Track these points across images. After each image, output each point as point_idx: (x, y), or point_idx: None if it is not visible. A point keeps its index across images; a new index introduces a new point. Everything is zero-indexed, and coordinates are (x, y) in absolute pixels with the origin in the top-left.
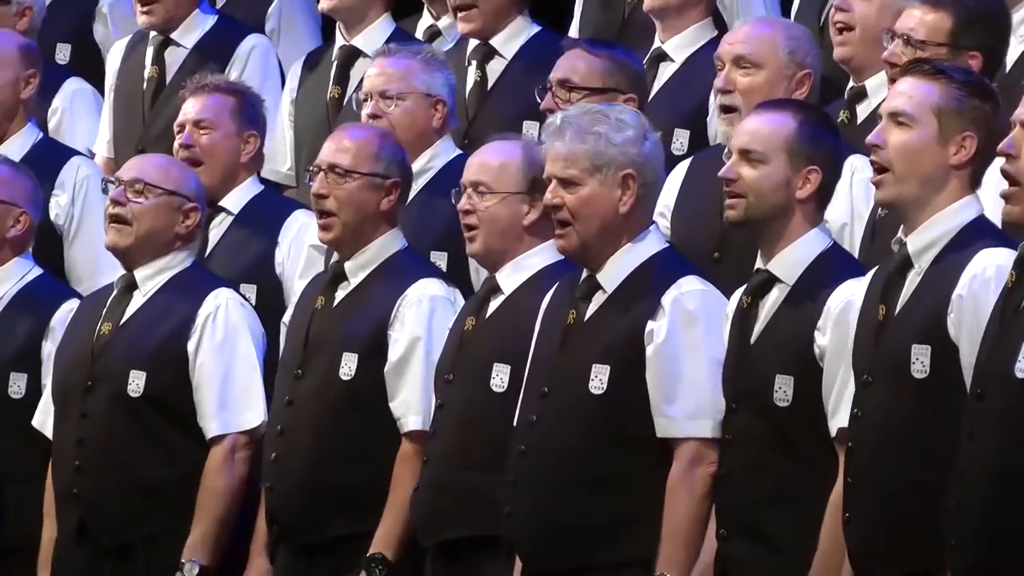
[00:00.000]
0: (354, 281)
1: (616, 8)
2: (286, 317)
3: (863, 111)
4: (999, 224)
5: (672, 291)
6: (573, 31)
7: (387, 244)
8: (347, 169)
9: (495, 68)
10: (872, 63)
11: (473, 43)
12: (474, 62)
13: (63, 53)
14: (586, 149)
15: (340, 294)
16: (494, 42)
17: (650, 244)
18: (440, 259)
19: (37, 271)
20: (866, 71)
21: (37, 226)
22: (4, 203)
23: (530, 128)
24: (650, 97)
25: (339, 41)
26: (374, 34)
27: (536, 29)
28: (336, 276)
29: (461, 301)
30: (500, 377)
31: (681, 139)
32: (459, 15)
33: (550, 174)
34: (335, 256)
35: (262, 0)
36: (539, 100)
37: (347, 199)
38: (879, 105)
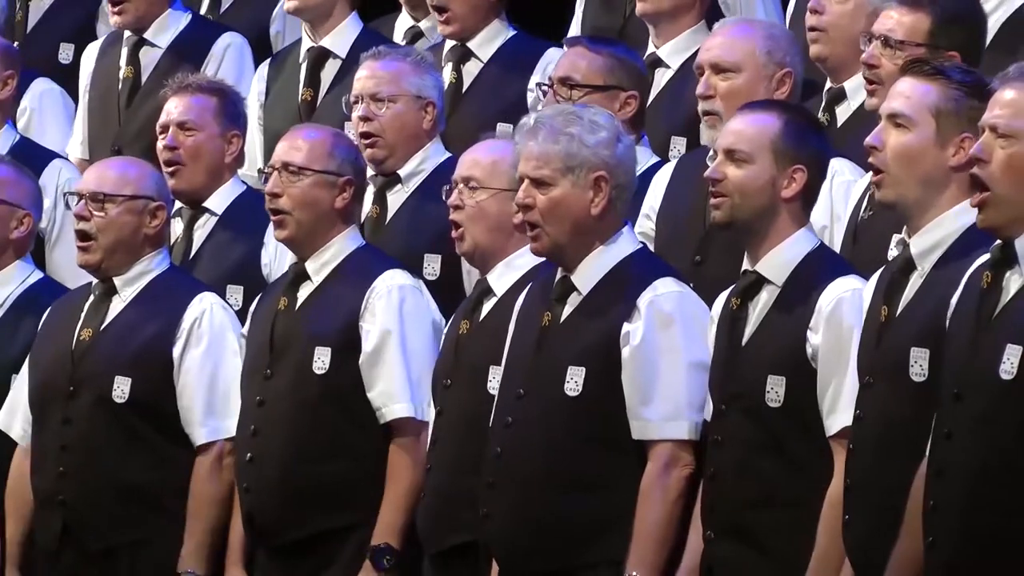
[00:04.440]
0: (317, 280)
1: (617, 9)
2: (244, 329)
3: (843, 113)
4: None
5: (648, 293)
6: (574, 31)
7: (346, 242)
8: (300, 167)
9: (471, 70)
10: (848, 64)
11: (449, 44)
12: (449, 64)
13: (66, 52)
14: (559, 150)
15: (303, 293)
16: (471, 44)
17: (624, 245)
18: (434, 261)
19: (38, 274)
20: (842, 72)
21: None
22: (8, 204)
23: (503, 130)
24: (647, 103)
25: (306, 43)
26: (342, 35)
27: (512, 32)
28: (297, 276)
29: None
30: (497, 380)
31: (679, 146)
32: (439, 17)
33: (522, 173)
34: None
35: (266, 3)
36: (540, 98)
37: (300, 197)
38: (859, 107)
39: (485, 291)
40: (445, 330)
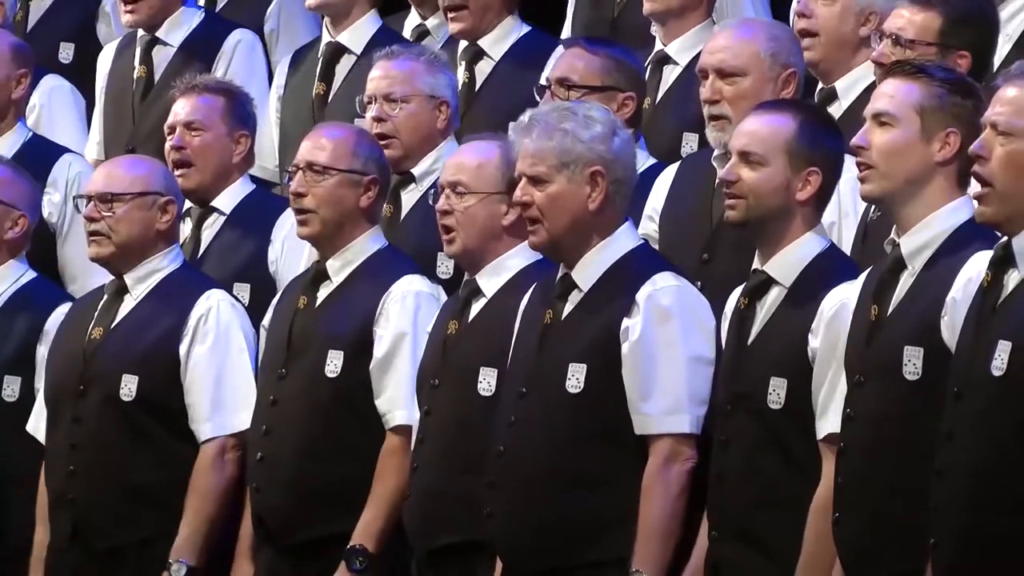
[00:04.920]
0: (336, 280)
1: (605, 8)
2: (265, 321)
3: (834, 113)
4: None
5: (646, 287)
6: (566, 31)
7: (368, 243)
8: (324, 166)
9: (483, 69)
10: (839, 65)
11: (463, 44)
12: (463, 63)
13: (66, 52)
14: (553, 146)
15: (323, 293)
16: (482, 43)
17: (624, 241)
18: (447, 260)
19: (31, 274)
20: (834, 73)
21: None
22: (3, 204)
23: None
24: (656, 101)
25: (325, 38)
26: (360, 31)
27: (526, 29)
28: (318, 275)
29: (444, 297)
30: (487, 381)
31: (691, 143)
32: (449, 15)
33: (520, 172)
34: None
35: (261, 1)
36: (538, 99)
37: (325, 196)
38: (850, 106)
39: (474, 292)
40: (429, 330)
